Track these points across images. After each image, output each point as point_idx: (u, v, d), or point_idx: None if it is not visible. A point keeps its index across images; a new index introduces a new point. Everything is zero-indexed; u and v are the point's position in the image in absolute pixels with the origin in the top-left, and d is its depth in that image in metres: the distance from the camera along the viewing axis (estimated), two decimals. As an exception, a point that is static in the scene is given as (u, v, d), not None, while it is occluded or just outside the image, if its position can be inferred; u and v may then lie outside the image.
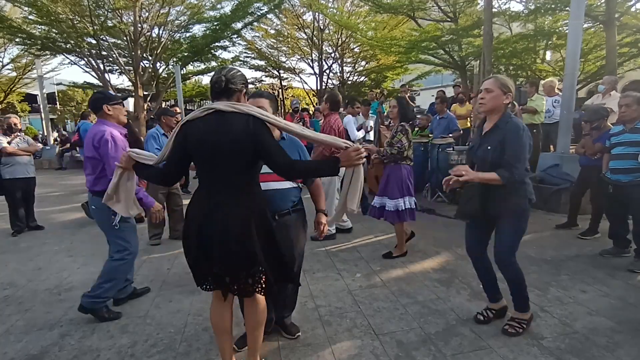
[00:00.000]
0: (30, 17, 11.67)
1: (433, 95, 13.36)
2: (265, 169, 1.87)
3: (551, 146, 6.66)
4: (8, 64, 17.21)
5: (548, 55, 13.32)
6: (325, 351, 2.29)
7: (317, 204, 2.41)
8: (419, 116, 6.07)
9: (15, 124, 5.10)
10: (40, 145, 6.43)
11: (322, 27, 16.84)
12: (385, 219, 3.74)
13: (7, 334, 2.63)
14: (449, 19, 12.22)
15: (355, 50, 17.76)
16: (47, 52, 13.16)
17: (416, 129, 6.65)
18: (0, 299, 3.17)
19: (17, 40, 12.39)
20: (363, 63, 18.42)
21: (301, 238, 2.34)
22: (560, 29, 10.66)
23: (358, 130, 5.82)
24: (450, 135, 6.33)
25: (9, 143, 4.94)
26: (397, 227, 3.77)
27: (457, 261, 3.63)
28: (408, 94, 7.63)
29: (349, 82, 18.66)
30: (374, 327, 2.53)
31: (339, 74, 18.77)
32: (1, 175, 4.98)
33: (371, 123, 6.59)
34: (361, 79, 18.95)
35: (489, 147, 2.24)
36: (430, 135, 6.81)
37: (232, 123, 1.72)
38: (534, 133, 6.31)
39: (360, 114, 6.26)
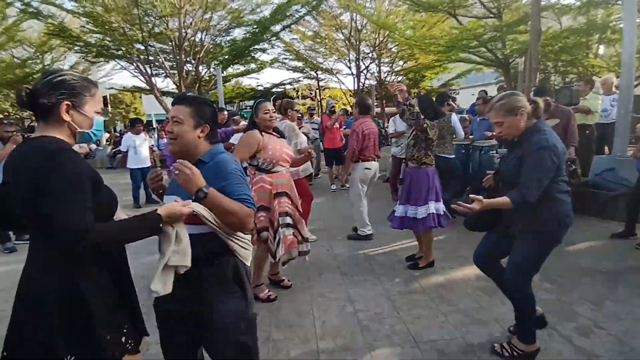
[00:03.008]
0: (87, 26, 12.60)
1: (473, 94, 12.91)
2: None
3: (606, 148, 6.22)
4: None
5: (601, 49, 12.43)
6: (364, 357, 2.29)
7: None
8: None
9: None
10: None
11: (359, 28, 16.76)
12: (412, 229, 3.55)
13: None
14: (492, 15, 11.71)
15: (393, 49, 17.51)
16: (101, 58, 14.19)
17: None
18: None
19: (75, 48, 13.44)
20: (401, 62, 18.14)
21: (227, 309, 1.47)
22: (613, 23, 9.92)
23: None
24: (492, 134, 6.03)
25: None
26: (425, 235, 3.56)
27: (501, 269, 3.49)
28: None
29: (387, 82, 18.43)
30: (414, 334, 2.50)
31: (376, 74, 18.61)
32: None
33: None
34: (399, 79, 18.65)
35: (511, 162, 2.13)
36: (471, 136, 6.57)
37: (25, 158, 1.16)
38: (586, 134, 5.94)
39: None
